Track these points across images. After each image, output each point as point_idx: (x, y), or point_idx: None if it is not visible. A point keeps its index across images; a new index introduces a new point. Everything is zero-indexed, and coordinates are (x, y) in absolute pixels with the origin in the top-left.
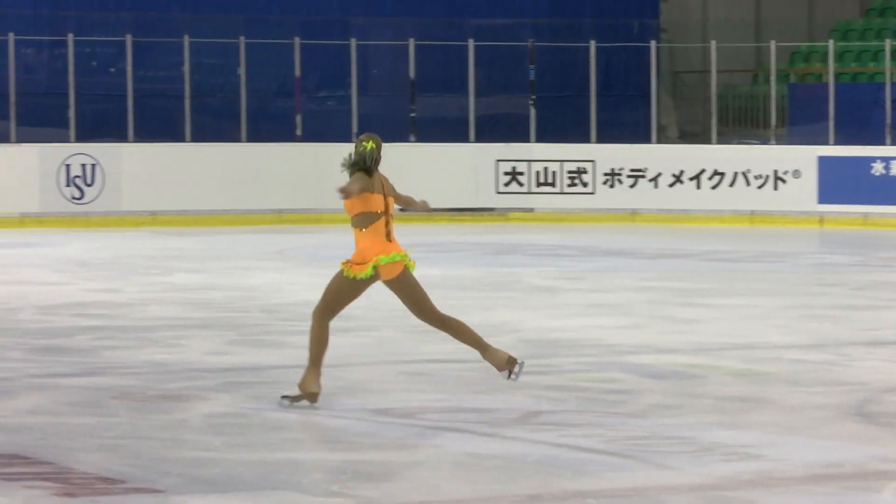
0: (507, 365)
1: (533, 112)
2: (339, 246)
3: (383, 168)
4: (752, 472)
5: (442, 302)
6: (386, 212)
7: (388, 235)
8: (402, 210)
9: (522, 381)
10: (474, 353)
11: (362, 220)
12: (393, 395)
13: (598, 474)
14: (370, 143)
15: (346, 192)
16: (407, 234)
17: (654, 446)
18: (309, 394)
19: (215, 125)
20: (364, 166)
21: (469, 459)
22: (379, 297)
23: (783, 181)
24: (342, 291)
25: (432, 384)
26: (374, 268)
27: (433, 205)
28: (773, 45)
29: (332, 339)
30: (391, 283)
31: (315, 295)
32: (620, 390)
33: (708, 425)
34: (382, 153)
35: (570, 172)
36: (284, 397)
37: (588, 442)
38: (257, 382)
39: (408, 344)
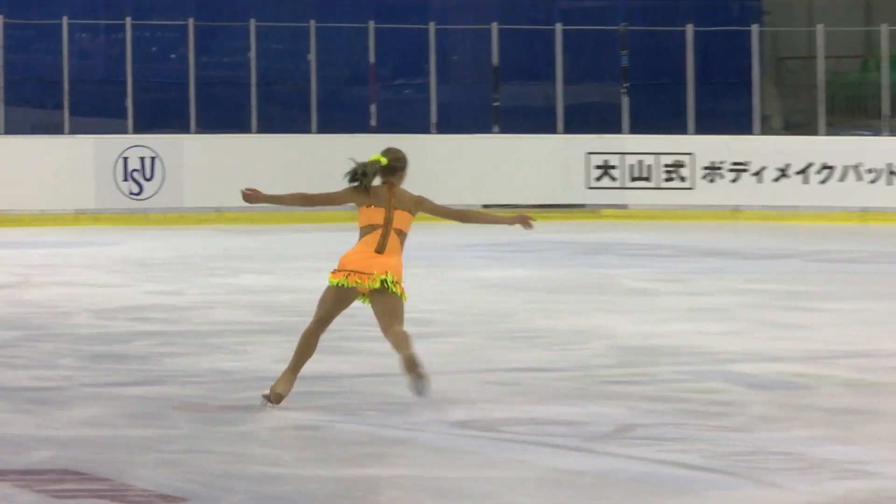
0: (408, 365)
1: (626, 101)
2: (418, 246)
3: (464, 163)
4: (867, 490)
5: (528, 306)
6: (386, 225)
7: (381, 248)
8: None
9: (616, 392)
10: (563, 362)
11: (361, 233)
12: (475, 407)
13: (699, 493)
14: (376, 156)
15: (247, 195)
16: (490, 232)
17: (760, 462)
18: (273, 394)
19: (284, 115)
20: (353, 178)
21: (558, 476)
22: (461, 300)
23: None
24: (327, 300)
25: (518, 394)
26: (347, 278)
27: (516, 199)
28: (884, 28)
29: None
30: (368, 295)
31: None
32: (722, 401)
33: (818, 440)
34: (469, 155)
35: (666, 166)
36: (264, 396)
37: (688, 458)
38: (330, 392)
39: (492, 351)
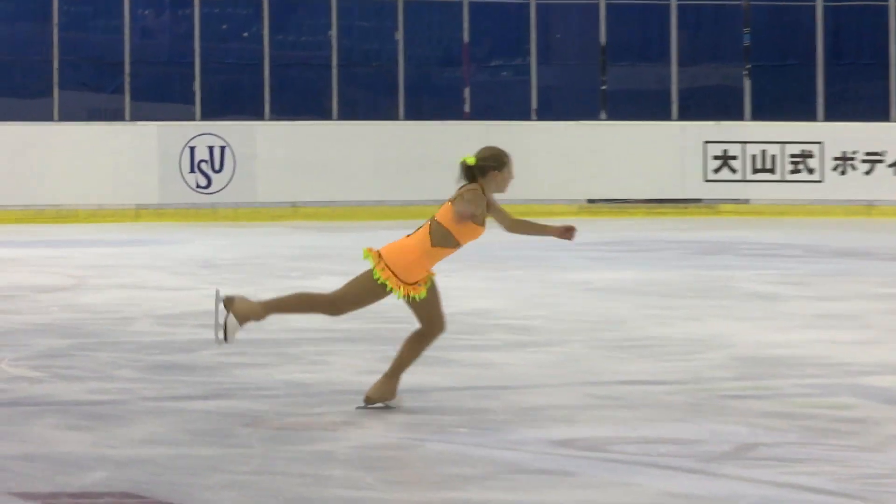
0: (227, 302)
1: (748, 84)
2: (513, 244)
3: (567, 153)
4: None
5: (639, 312)
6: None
7: (413, 234)
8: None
9: (735, 407)
10: (677, 374)
11: None
12: (580, 424)
13: None
14: (466, 156)
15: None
16: (597, 229)
17: (895, 486)
18: (365, 395)
19: (368, 100)
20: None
21: (671, 501)
22: (564, 306)
23: None
24: None
25: (626, 410)
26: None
27: (625, 193)
28: None
29: (507, 356)
30: None
31: (490, 302)
32: (854, 418)
33: None
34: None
35: (792, 156)
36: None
37: (815, 481)
38: (418, 408)
39: (598, 362)
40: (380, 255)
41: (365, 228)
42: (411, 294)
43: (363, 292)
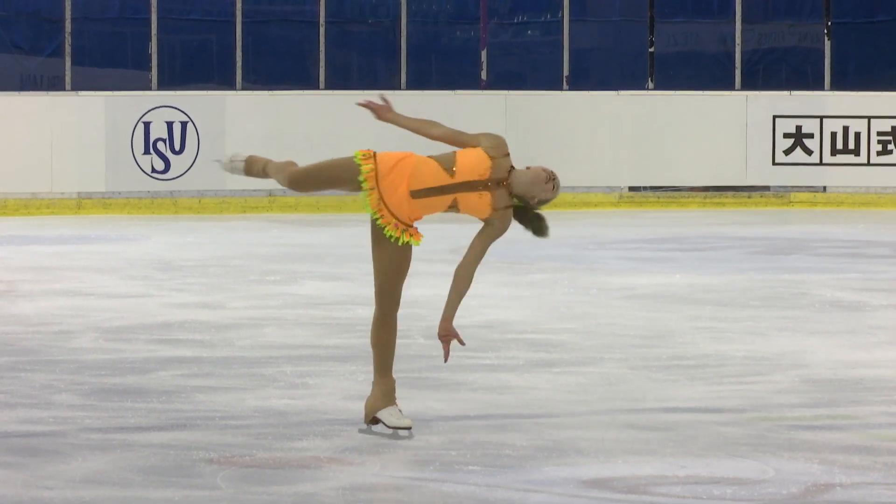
0: None
1: (828, 45)
2: (541, 243)
3: (607, 129)
4: None
5: (690, 324)
6: None
7: None
8: None
9: (806, 440)
10: (736, 400)
11: None
12: (617, 461)
13: None
14: None
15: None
16: (640, 224)
17: None
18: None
19: (363, 65)
20: None
21: None
22: (599, 317)
23: None
24: None
25: (674, 444)
26: None
27: (676, 179)
28: None
29: (529, 378)
30: None
31: (509, 313)
32: None
33: None
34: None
35: (881, 134)
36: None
37: None
38: (420, 441)
39: (640, 385)
40: (374, 154)
41: (357, 222)
42: (379, 216)
43: (335, 170)
